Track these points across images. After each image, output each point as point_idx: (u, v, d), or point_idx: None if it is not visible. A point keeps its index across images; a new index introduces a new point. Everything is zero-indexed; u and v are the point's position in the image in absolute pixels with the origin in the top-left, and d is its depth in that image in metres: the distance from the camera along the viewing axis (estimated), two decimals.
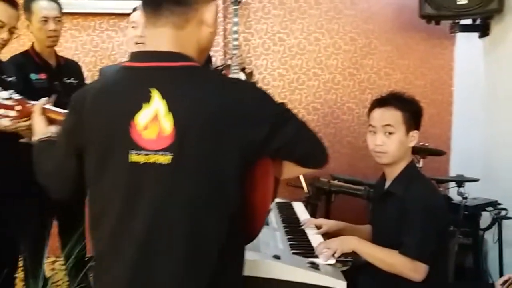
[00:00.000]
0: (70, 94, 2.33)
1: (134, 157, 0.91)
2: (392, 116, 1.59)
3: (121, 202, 0.93)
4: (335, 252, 1.52)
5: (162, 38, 0.95)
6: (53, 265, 3.07)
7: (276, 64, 3.27)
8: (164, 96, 0.90)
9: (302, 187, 2.67)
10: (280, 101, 1.05)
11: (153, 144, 0.90)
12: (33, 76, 2.13)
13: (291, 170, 1.09)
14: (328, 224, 1.88)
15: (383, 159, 1.61)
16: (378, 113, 1.62)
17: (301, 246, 1.64)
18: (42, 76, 2.16)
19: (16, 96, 1.37)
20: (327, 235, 1.79)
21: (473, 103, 2.96)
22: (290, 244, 1.64)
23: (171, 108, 0.89)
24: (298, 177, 2.64)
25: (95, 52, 3.21)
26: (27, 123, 1.37)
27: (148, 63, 0.95)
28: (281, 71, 3.27)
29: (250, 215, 1.02)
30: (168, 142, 0.89)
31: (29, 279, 1.26)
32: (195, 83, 0.93)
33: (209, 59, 2.33)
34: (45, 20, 2.14)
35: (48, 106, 1.33)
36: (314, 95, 3.26)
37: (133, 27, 2.06)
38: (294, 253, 1.55)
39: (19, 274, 2.11)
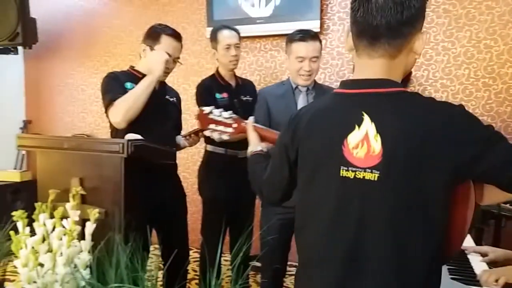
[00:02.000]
0: (246, 110, 2.57)
1: (344, 172, 1.00)
2: None
3: (330, 211, 1.02)
4: (497, 280, 1.39)
5: (376, 68, 1.02)
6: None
7: (438, 75, 3.09)
8: (372, 119, 0.98)
9: None
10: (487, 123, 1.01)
11: (362, 162, 0.98)
12: (217, 95, 2.49)
13: (493, 195, 1.06)
14: (495, 252, 1.70)
15: None
16: None
17: (461, 271, 1.54)
18: (224, 95, 2.51)
19: (234, 115, 1.59)
20: (494, 266, 1.63)
21: None
22: (449, 269, 1.55)
23: (379, 130, 0.97)
24: None
25: (260, 71, 3.51)
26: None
27: (360, 90, 1.03)
28: (444, 81, 3.08)
29: (448, 237, 1.02)
30: (376, 161, 0.97)
31: (207, 268, 1.44)
32: (403, 108, 0.98)
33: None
34: (228, 47, 2.48)
35: (256, 124, 1.55)
36: (484, 108, 2.98)
37: None
38: (452, 278, 1.47)
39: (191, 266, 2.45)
